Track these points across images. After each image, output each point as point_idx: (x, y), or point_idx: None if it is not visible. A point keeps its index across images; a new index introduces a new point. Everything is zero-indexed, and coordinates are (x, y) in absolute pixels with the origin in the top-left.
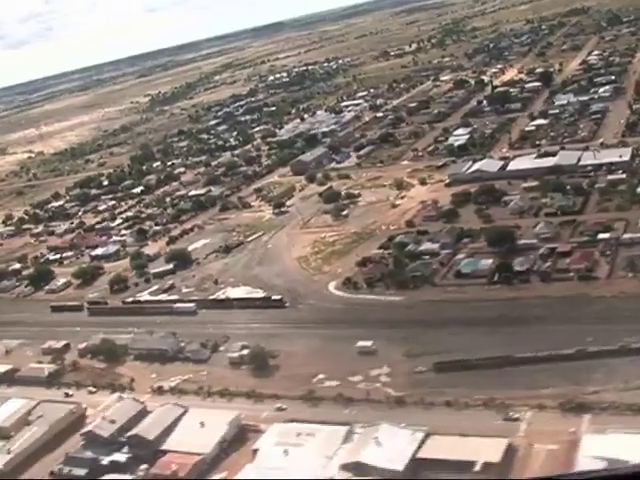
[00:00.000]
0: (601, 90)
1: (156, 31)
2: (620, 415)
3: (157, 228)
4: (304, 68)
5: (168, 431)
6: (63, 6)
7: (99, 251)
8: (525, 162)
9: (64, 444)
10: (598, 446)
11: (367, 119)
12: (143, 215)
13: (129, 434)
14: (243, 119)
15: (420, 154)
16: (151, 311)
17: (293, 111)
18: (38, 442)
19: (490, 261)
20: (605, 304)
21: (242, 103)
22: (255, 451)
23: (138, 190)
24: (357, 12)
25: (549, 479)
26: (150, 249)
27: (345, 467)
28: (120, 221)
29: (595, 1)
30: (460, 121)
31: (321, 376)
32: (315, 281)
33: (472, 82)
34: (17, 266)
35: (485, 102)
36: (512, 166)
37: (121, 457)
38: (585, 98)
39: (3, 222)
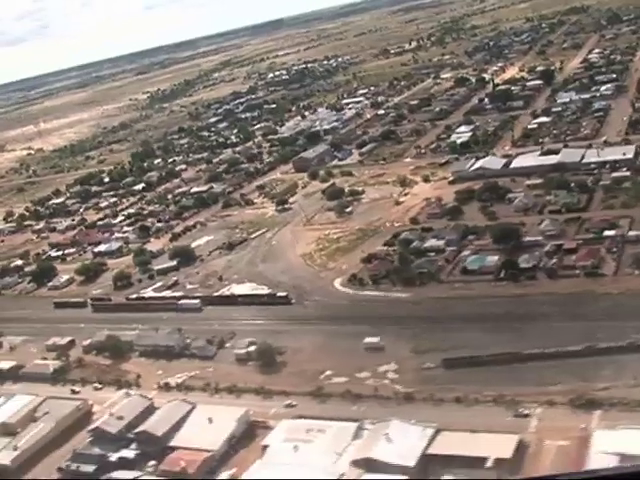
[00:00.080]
0: (603, 88)
1: (154, 29)
2: (630, 411)
3: (159, 225)
4: (303, 66)
5: (176, 427)
6: (60, 3)
7: (102, 248)
8: (528, 160)
9: (71, 440)
10: (609, 442)
11: (368, 116)
12: (145, 212)
13: (137, 430)
14: (243, 116)
15: (423, 151)
16: (156, 307)
17: (293, 109)
18: (45, 439)
19: (496, 258)
20: (612, 301)
21: (242, 100)
22: (265, 447)
23: (139, 187)
24: (355, 10)
25: (548, 479)
26: (153, 246)
27: (356, 463)
28: (122, 218)
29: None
30: (462, 119)
31: (329, 372)
32: (320, 278)
33: (473, 80)
34: (19, 263)
35: (487, 100)
36: (515, 163)
37: (129, 453)
38: (587, 96)
39: (4, 219)
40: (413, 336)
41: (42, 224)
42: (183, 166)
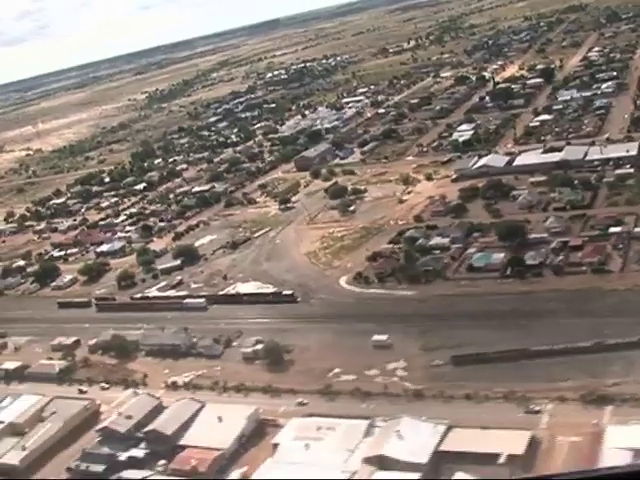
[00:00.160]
0: (604, 86)
1: (151, 29)
2: None
3: (162, 224)
4: (302, 65)
5: (186, 426)
6: (59, 3)
7: (104, 247)
8: (531, 157)
9: (79, 440)
10: (622, 437)
11: (369, 115)
12: (147, 211)
13: (146, 429)
14: (243, 116)
15: (425, 150)
16: (160, 307)
17: (293, 108)
18: (53, 438)
19: (502, 255)
20: (619, 297)
21: (241, 100)
22: (275, 445)
23: (141, 187)
24: (351, 10)
25: (545, 479)
26: (156, 245)
27: (368, 461)
28: (124, 218)
29: None
30: (463, 117)
31: (337, 370)
32: (326, 276)
33: (473, 78)
34: (21, 263)
35: (488, 98)
36: (518, 161)
37: (139, 453)
38: (588, 94)
39: (5, 219)
40: (420, 333)
41: (43, 224)
42: (184, 166)
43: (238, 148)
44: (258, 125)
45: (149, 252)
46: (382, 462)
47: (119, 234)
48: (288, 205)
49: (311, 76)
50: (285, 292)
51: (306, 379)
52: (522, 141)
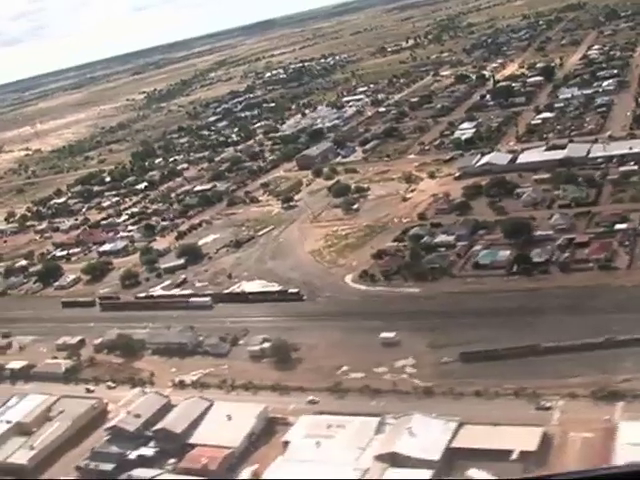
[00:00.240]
0: (605, 84)
1: (147, 29)
2: None
3: (165, 223)
4: (300, 65)
5: (195, 425)
6: (56, 4)
7: (107, 247)
8: (534, 155)
9: (87, 439)
10: (635, 434)
11: (370, 114)
12: (149, 211)
13: (155, 428)
14: (243, 115)
15: (426, 148)
16: (165, 306)
17: (293, 107)
18: (61, 438)
19: (508, 252)
20: (627, 294)
21: (240, 99)
22: (285, 443)
23: (142, 186)
24: (348, 9)
25: (543, 479)
26: (159, 244)
27: (380, 458)
28: (126, 217)
29: None
30: (464, 115)
31: (345, 368)
32: (331, 274)
33: (473, 77)
34: (24, 263)
35: (488, 96)
36: (522, 159)
37: (148, 451)
38: (589, 91)
39: (6, 219)
40: (428, 331)
41: (45, 224)
42: (185, 165)
43: (239, 147)
44: (258, 124)
45: (152, 251)
46: (394, 459)
47: (121, 233)
48: (291, 204)
49: (310, 75)
50: (291, 290)
51: (315, 377)
52: (524, 139)
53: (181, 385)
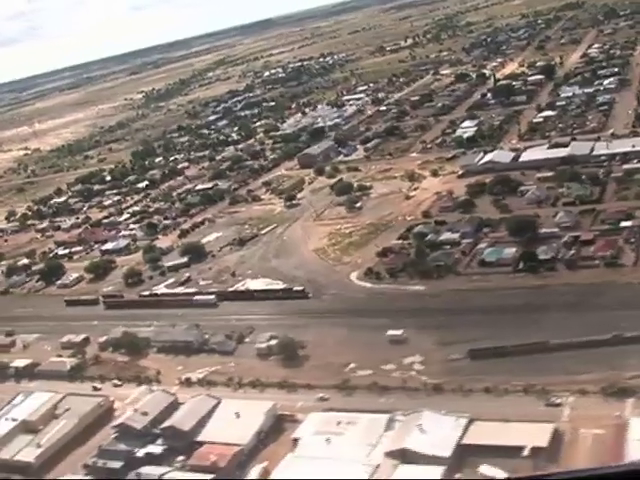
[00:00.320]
0: (606, 82)
1: (144, 29)
2: None
3: (167, 222)
4: (299, 64)
5: (203, 422)
6: (53, 4)
7: (109, 245)
8: (537, 153)
9: (94, 437)
10: None
11: (370, 113)
12: (150, 209)
13: (163, 426)
14: (242, 114)
15: (428, 146)
16: (170, 304)
17: (293, 106)
18: (67, 435)
19: (513, 250)
20: (633, 291)
21: (240, 98)
22: (295, 440)
23: (143, 185)
24: (346, 9)
25: (539, 479)
26: (162, 243)
27: (390, 454)
28: (127, 216)
29: None
30: (466, 114)
31: (353, 365)
32: (336, 272)
33: (473, 76)
34: (26, 261)
35: (489, 95)
36: (524, 157)
37: (156, 449)
38: (590, 90)
39: (6, 218)
40: (434, 328)
41: (46, 223)
42: (185, 164)
43: (239, 146)
44: (258, 123)
45: (155, 249)
46: (405, 456)
47: (123, 232)
48: (293, 202)
49: (309, 74)
50: (296, 288)
51: (322, 374)
52: (526, 137)
53: (188, 383)
